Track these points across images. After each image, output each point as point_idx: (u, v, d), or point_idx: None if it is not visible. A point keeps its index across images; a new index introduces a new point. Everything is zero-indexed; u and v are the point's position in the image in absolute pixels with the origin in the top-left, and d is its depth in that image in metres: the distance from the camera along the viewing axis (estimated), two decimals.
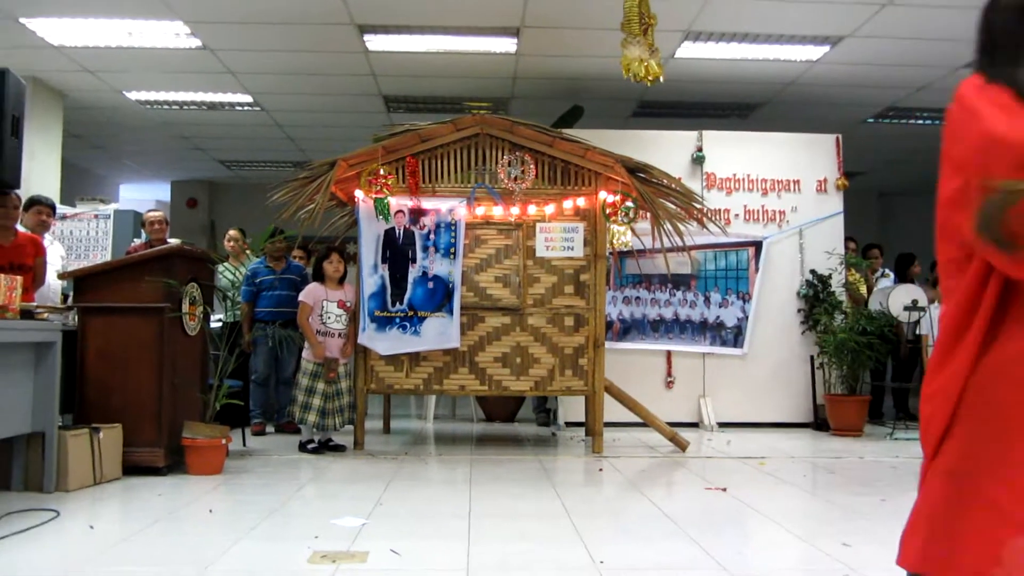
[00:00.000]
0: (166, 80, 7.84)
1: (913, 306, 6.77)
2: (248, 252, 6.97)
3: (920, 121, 9.04)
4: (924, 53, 7.04)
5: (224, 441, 4.67)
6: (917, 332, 7.13)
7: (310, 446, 5.47)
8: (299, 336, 5.73)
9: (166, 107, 8.67)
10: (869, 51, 6.98)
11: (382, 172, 5.55)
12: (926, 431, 1.85)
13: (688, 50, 7.07)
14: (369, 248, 5.61)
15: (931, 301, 6.88)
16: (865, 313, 7.00)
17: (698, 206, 5.82)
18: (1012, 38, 1.74)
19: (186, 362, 4.78)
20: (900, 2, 6.01)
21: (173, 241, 6.69)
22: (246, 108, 8.68)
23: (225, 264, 6.70)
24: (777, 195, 7.33)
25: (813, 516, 4.17)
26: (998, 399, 1.72)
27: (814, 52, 7.01)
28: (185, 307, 4.72)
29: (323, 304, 5.53)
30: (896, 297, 6.95)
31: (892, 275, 8.14)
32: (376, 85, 8.01)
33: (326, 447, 5.51)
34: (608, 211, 5.64)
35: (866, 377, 7.16)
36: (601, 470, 5.05)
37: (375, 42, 6.89)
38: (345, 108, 8.73)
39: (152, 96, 8.31)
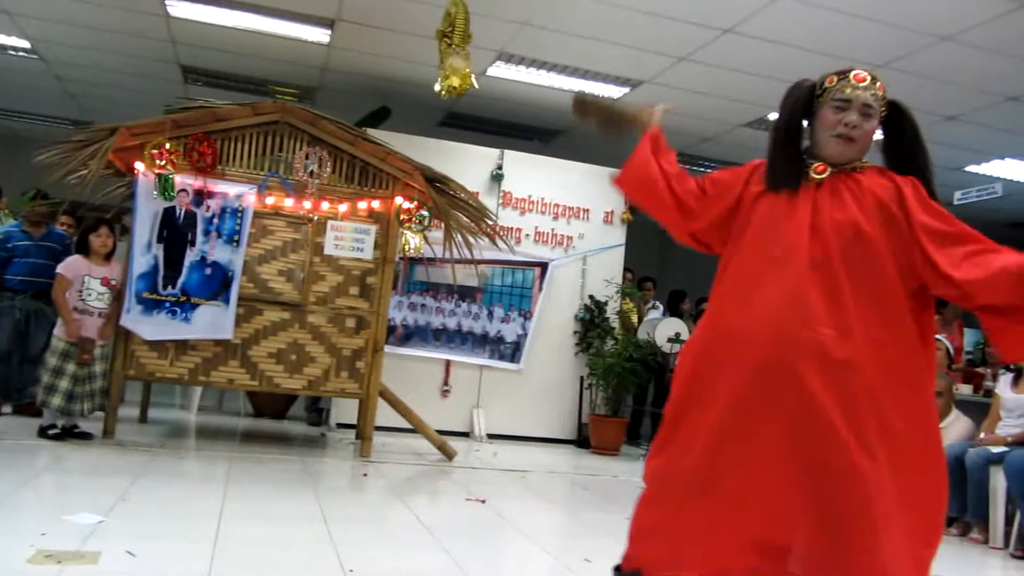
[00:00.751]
0: None
1: (676, 338, 7.31)
2: (4, 212, 6.32)
3: (703, 169, 9.80)
4: (712, 108, 7.64)
5: None
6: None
7: (52, 431, 5.01)
8: (52, 310, 5.26)
9: None
10: (664, 98, 7.44)
11: (168, 147, 5.24)
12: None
13: (500, 70, 7.24)
14: (144, 225, 5.25)
15: None
16: (634, 341, 7.46)
17: (490, 222, 5.96)
18: (783, 135, 2.25)
19: None
20: (694, 59, 6.50)
21: None
22: (21, 54, 7.87)
23: None
24: (567, 221, 7.66)
25: (563, 531, 4.39)
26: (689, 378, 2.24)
27: (615, 91, 7.41)
28: None
29: (84, 279, 5.11)
30: (662, 329, 7.48)
31: (662, 308, 8.74)
32: (175, 53, 7.55)
33: (70, 434, 5.07)
34: (402, 217, 5.65)
35: (629, 400, 7.63)
36: (366, 475, 5.03)
37: (178, 8, 6.50)
38: (137, 72, 8.14)
39: None
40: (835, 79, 2.19)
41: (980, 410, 5.25)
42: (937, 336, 6.12)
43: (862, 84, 2.16)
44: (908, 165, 2.19)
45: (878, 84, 2.19)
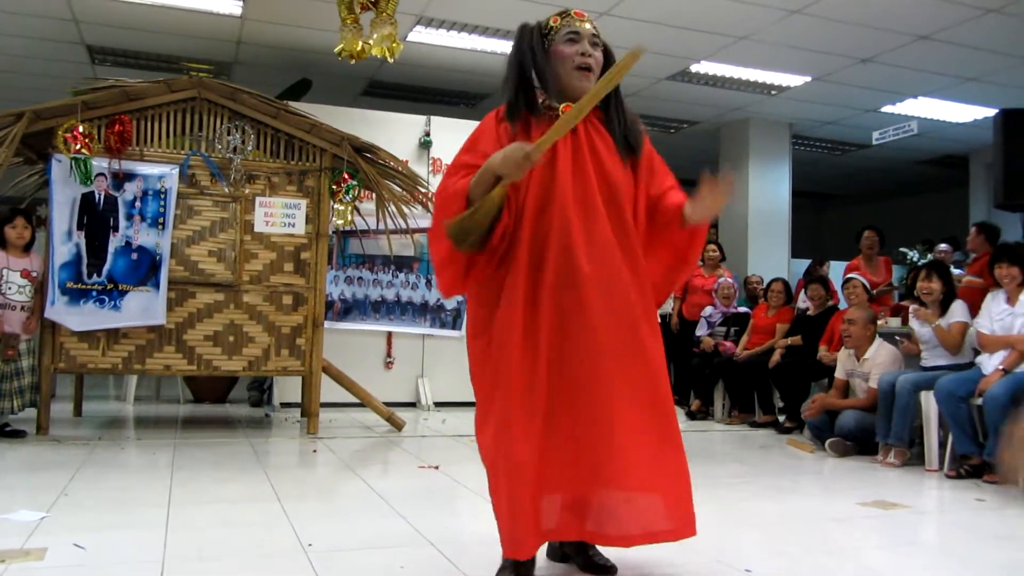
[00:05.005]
0: None
1: None
2: None
3: None
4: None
5: None
6: None
7: None
8: None
9: None
10: None
11: (82, 129, 5.03)
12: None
13: (420, 35, 7.14)
14: (63, 213, 5.05)
15: None
16: None
17: (422, 190, 5.90)
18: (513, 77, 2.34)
19: None
20: (615, 13, 6.50)
21: None
22: None
23: None
24: None
25: None
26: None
27: None
28: None
29: (3, 273, 4.90)
30: None
31: None
32: (79, 33, 7.22)
33: (2, 433, 4.90)
34: (333, 189, 5.54)
35: None
36: (315, 451, 4.98)
37: None
38: (39, 54, 7.78)
39: None
40: (559, 19, 2.34)
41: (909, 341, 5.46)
42: (852, 275, 6.37)
43: (584, 18, 2.35)
44: (612, 99, 2.38)
45: (593, 21, 2.39)
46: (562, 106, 2.30)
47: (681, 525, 2.28)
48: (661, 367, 2.32)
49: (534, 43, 2.33)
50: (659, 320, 2.40)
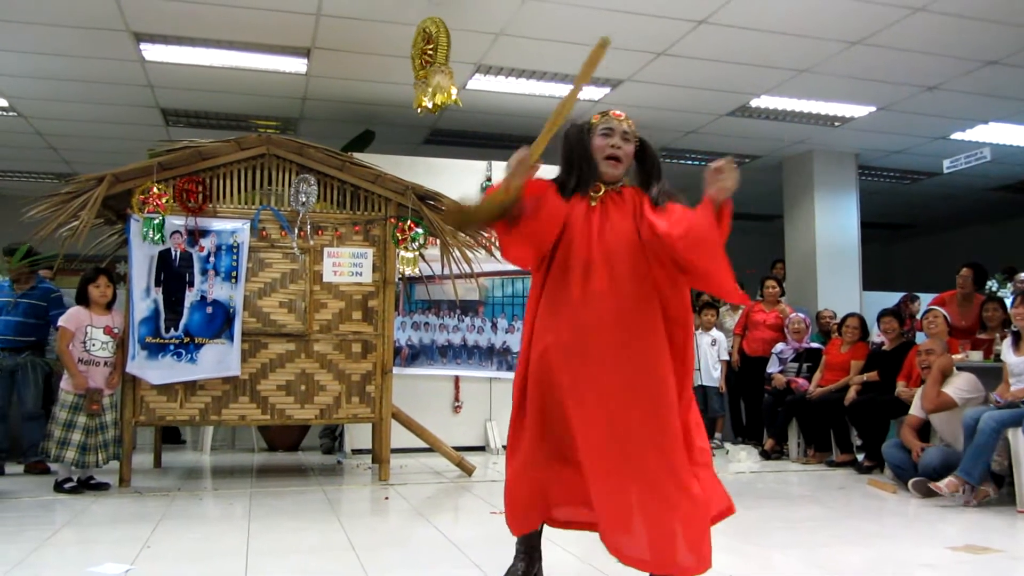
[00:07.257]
0: None
1: None
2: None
3: (690, 162, 9.81)
4: (694, 100, 7.66)
5: None
6: None
7: (68, 485, 4.98)
8: (43, 362, 5.25)
9: None
10: (645, 95, 7.50)
11: (156, 190, 5.22)
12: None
13: (479, 82, 7.26)
14: (141, 270, 5.23)
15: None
16: None
17: (485, 234, 5.94)
18: (570, 159, 2.71)
19: None
20: (672, 52, 6.52)
21: None
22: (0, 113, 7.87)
23: None
24: None
25: (589, 534, 4.34)
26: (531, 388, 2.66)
27: (596, 93, 7.43)
28: None
29: (87, 330, 5.09)
30: None
31: None
32: (153, 97, 7.55)
33: (87, 486, 5.05)
34: (398, 237, 5.63)
35: None
36: (387, 498, 5.00)
37: (152, 52, 6.51)
38: (118, 119, 8.15)
39: None
40: (599, 117, 2.71)
41: (994, 375, 5.25)
42: (933, 307, 6.19)
43: (620, 118, 2.69)
44: (652, 181, 2.70)
45: (630, 120, 2.73)
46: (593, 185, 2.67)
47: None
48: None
49: (578, 137, 2.71)
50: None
